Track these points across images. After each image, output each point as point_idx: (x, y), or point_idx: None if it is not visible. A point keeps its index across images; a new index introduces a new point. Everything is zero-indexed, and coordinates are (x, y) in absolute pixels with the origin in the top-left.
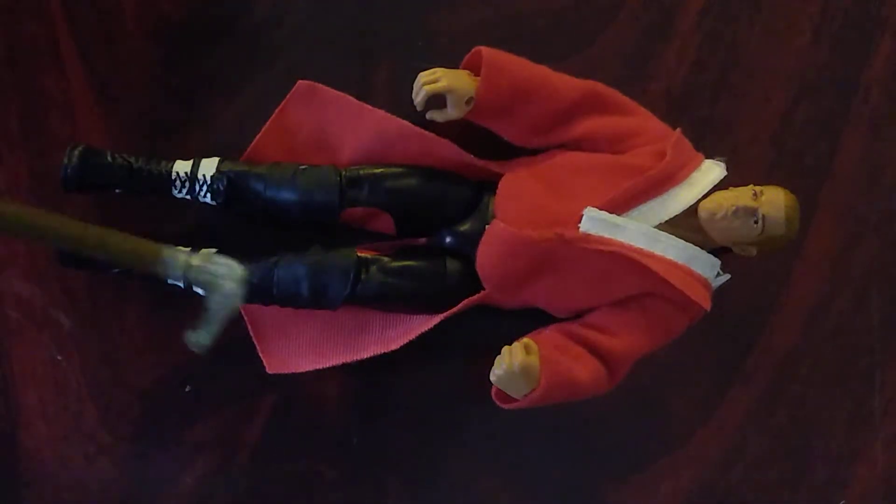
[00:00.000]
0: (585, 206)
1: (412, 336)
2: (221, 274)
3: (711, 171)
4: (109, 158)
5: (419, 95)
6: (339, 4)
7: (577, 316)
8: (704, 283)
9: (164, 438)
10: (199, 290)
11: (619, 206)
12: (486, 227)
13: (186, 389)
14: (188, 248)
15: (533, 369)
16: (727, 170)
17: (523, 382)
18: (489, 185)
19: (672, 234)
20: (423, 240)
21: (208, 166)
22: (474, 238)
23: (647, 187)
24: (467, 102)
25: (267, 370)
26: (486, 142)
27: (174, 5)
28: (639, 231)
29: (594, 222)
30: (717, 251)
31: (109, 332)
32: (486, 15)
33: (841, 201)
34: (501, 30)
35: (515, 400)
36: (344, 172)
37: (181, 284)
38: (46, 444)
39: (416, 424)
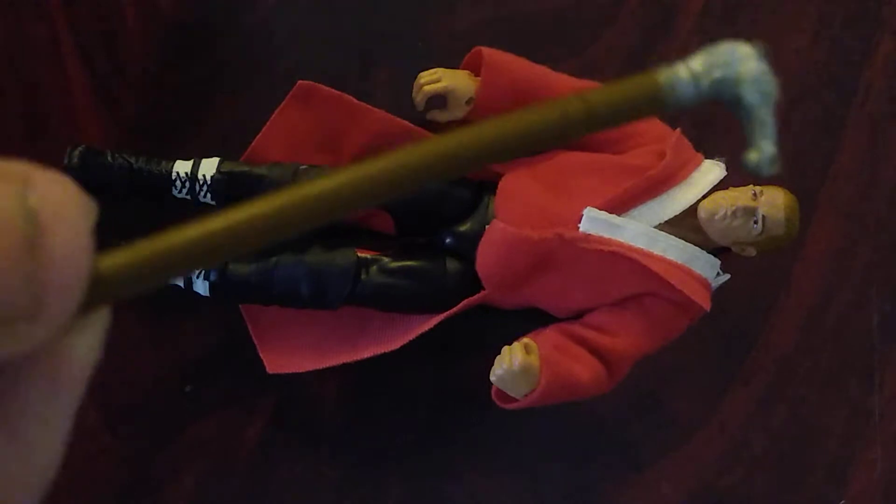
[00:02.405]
0: (585, 206)
1: (412, 336)
2: (737, 60)
3: (711, 171)
4: (110, 159)
5: (419, 95)
6: (339, 5)
7: (578, 316)
8: (704, 284)
9: (164, 438)
10: (723, 96)
11: (618, 206)
12: (486, 227)
13: (186, 389)
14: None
15: (533, 369)
16: (727, 170)
17: (523, 382)
18: (489, 185)
19: (672, 234)
20: (423, 240)
21: (208, 166)
22: (474, 238)
23: (647, 187)
24: (467, 102)
25: (267, 370)
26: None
27: (174, 5)
28: (638, 231)
29: (594, 222)
30: (716, 251)
31: (109, 332)
32: (485, 15)
33: (841, 201)
34: (501, 30)
35: (515, 400)
36: None
37: (181, 284)
38: None
39: (416, 424)
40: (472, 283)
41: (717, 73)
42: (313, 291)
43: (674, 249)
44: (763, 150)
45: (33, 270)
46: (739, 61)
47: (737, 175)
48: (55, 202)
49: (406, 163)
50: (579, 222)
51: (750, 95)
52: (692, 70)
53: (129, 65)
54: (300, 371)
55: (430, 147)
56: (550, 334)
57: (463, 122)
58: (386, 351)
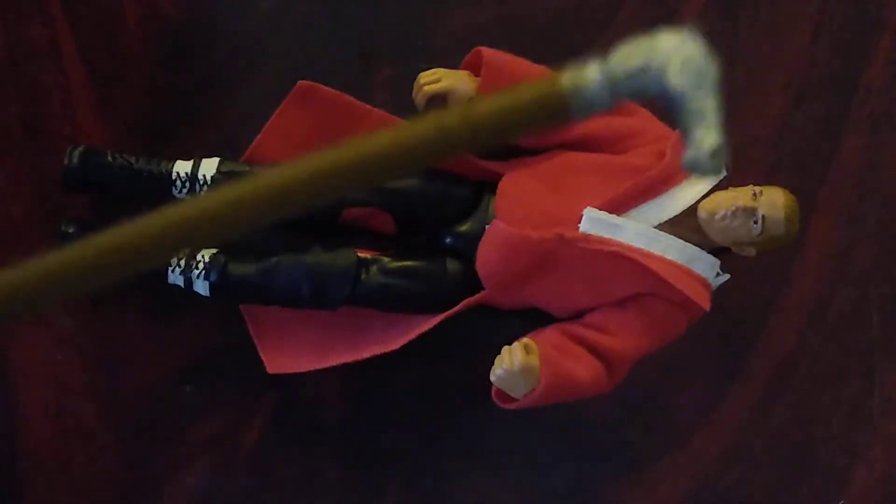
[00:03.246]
0: (585, 207)
1: (412, 336)
2: (658, 46)
3: None
4: (110, 159)
5: (419, 95)
6: (339, 5)
7: (577, 316)
8: (704, 283)
9: (164, 438)
10: (642, 92)
11: (618, 206)
12: (486, 227)
13: (186, 389)
14: None
15: (533, 369)
16: (727, 170)
17: (523, 382)
18: (489, 185)
19: (672, 234)
20: (423, 240)
21: (209, 167)
22: (474, 238)
23: (647, 187)
24: None
25: (267, 370)
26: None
27: (174, 5)
28: (638, 231)
29: (594, 222)
30: (716, 251)
31: (109, 332)
32: (486, 15)
33: (841, 201)
34: (501, 30)
35: (515, 400)
36: None
37: (181, 284)
38: (46, 444)
39: (416, 424)
40: (472, 283)
41: (636, 65)
42: (314, 292)
43: (674, 249)
44: (701, 143)
45: None
46: (662, 47)
47: (737, 175)
48: None
49: (274, 185)
50: (579, 222)
51: (678, 80)
52: (606, 68)
53: (129, 65)
54: (300, 371)
55: (287, 174)
56: (550, 334)
57: None
58: (386, 351)
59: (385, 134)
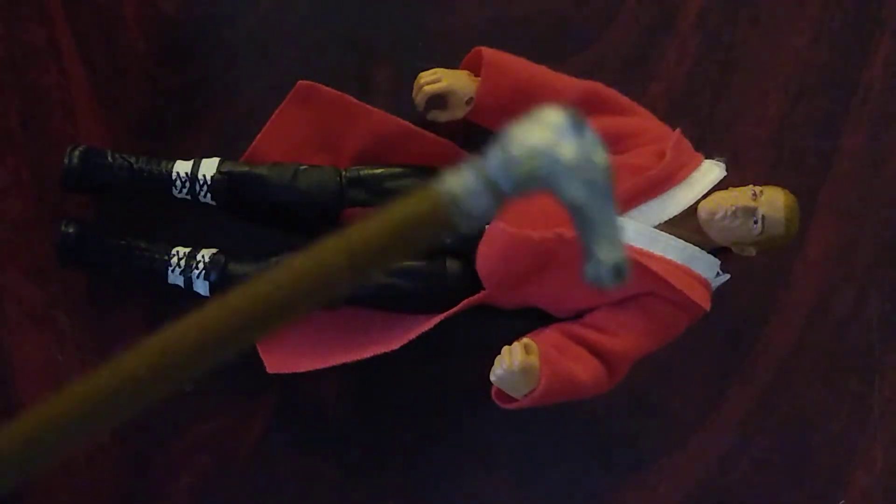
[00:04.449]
0: None
1: (412, 336)
2: (546, 141)
3: (711, 171)
4: (110, 158)
5: (419, 96)
6: (339, 4)
7: (577, 316)
8: (704, 284)
9: (164, 438)
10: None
11: (618, 206)
12: (486, 227)
13: (186, 389)
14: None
15: (533, 369)
16: (727, 170)
17: (523, 382)
18: None
19: (672, 234)
20: None
21: (209, 166)
22: (474, 238)
23: (647, 187)
24: (467, 103)
25: (267, 370)
26: (486, 142)
27: (174, 5)
28: (638, 231)
29: None
30: (716, 251)
31: (109, 332)
32: (486, 15)
33: (841, 201)
34: (501, 30)
35: (516, 400)
36: (344, 173)
37: (181, 284)
38: None
39: (416, 424)
40: (472, 283)
41: (521, 169)
42: None
43: (674, 249)
44: (600, 257)
45: None
46: (548, 145)
47: (737, 175)
48: None
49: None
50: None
51: (571, 190)
52: (486, 172)
53: (129, 65)
54: (300, 371)
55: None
56: (550, 334)
57: (462, 122)
58: (386, 351)
59: (264, 278)
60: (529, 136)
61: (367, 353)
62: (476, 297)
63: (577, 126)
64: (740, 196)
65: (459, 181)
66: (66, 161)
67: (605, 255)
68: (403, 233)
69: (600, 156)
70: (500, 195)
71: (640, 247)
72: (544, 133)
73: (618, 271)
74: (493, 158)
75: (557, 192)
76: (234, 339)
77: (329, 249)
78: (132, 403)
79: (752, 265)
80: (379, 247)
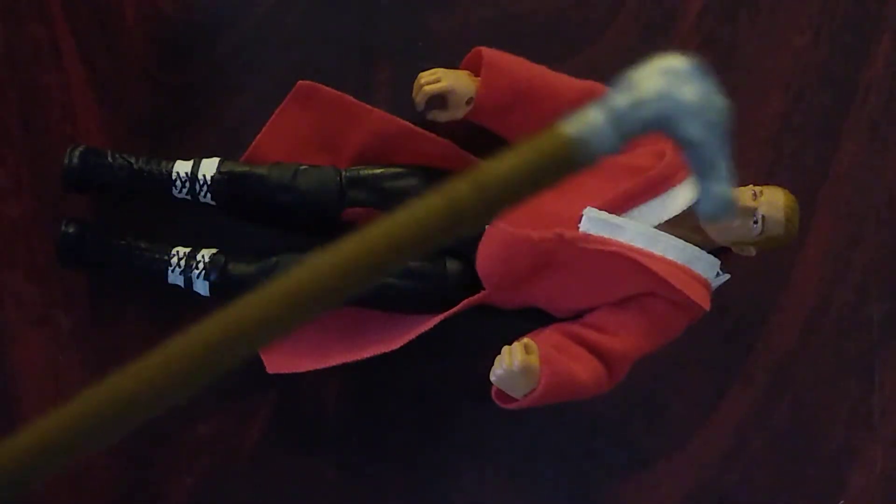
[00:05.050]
0: (585, 207)
1: (412, 336)
2: (670, 85)
3: None
4: (110, 159)
5: (419, 96)
6: (339, 4)
7: (577, 316)
8: (704, 284)
9: (163, 438)
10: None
11: (618, 206)
12: (486, 227)
13: None
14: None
15: (533, 369)
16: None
17: (523, 382)
18: None
19: (672, 234)
20: None
21: (209, 167)
22: (474, 238)
23: (647, 188)
24: (467, 103)
25: (267, 370)
26: (486, 142)
27: (174, 5)
28: (638, 231)
29: (594, 222)
30: (716, 251)
31: (109, 332)
32: (486, 15)
33: (841, 201)
34: (501, 30)
35: (516, 400)
36: (344, 173)
37: (181, 284)
38: None
39: (416, 424)
40: (472, 283)
41: (646, 111)
42: None
43: (674, 249)
44: (715, 193)
45: None
46: (672, 89)
47: (737, 175)
48: None
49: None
50: (579, 222)
51: (691, 130)
52: (613, 111)
53: (129, 65)
54: (300, 371)
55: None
56: (550, 334)
57: (462, 122)
58: (386, 351)
59: (393, 218)
60: (654, 79)
61: (367, 353)
62: (476, 297)
63: (698, 72)
64: (740, 196)
65: (587, 120)
66: (66, 161)
67: (719, 190)
68: (534, 170)
69: (719, 99)
70: (625, 134)
71: (640, 247)
72: (668, 77)
73: (728, 205)
74: (619, 99)
75: (677, 131)
76: (367, 273)
77: (459, 187)
78: (166, 398)
79: (752, 265)
80: (510, 184)
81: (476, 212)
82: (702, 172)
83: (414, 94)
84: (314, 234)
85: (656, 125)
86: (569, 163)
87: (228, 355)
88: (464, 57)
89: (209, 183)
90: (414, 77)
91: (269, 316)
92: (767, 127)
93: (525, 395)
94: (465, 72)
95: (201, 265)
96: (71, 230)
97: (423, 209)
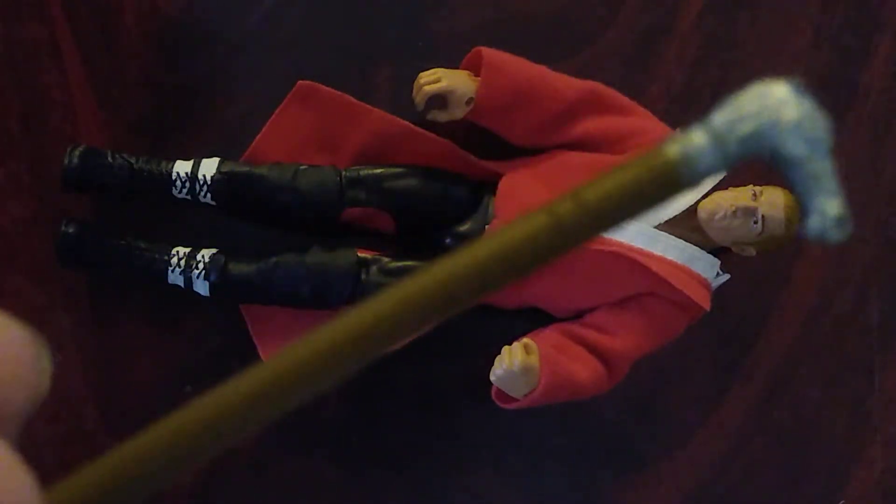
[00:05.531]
0: None
1: (412, 336)
2: (769, 105)
3: None
4: (110, 159)
5: (419, 96)
6: (339, 5)
7: (577, 316)
8: (704, 284)
9: None
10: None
11: None
12: (486, 227)
13: (186, 389)
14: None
15: (533, 369)
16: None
17: (523, 382)
18: (489, 185)
19: (672, 234)
20: (423, 240)
21: (209, 167)
22: (474, 238)
23: None
24: (467, 103)
25: None
26: (486, 142)
27: (174, 5)
28: (638, 231)
29: None
30: (716, 251)
31: (109, 332)
32: (486, 15)
33: None
34: (501, 30)
35: (516, 400)
36: (344, 173)
37: (181, 284)
38: (47, 444)
39: (416, 424)
40: None
41: (746, 128)
42: (314, 292)
43: (674, 249)
44: (824, 211)
45: None
46: (772, 106)
47: (737, 175)
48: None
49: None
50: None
51: (793, 146)
52: (714, 130)
53: (129, 65)
54: None
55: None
56: (550, 334)
57: (462, 122)
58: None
59: (498, 236)
60: (754, 100)
61: None
62: None
63: (798, 91)
64: (740, 196)
65: (691, 140)
66: (66, 161)
67: (829, 208)
68: (638, 188)
69: (820, 116)
70: (727, 154)
71: (640, 247)
72: (768, 97)
73: (841, 222)
74: (719, 118)
75: (779, 148)
76: (476, 290)
77: (567, 205)
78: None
79: (752, 265)
80: (615, 202)
81: (578, 232)
82: (808, 190)
83: (414, 94)
84: (314, 234)
85: (758, 143)
86: (673, 183)
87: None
88: (464, 57)
89: (209, 183)
90: (414, 77)
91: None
92: None
93: (525, 395)
94: (465, 72)
95: (201, 265)
96: (71, 230)
97: (528, 226)
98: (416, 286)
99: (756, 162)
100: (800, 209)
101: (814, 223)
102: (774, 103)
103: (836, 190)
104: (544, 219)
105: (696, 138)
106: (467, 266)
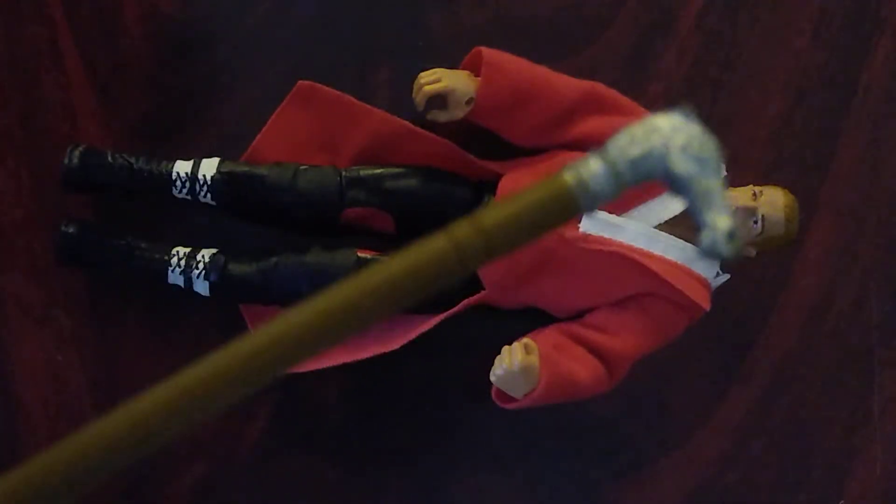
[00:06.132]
0: None
1: (412, 336)
2: (657, 130)
3: None
4: (110, 159)
5: (419, 96)
6: (339, 4)
7: (578, 316)
8: (704, 284)
9: None
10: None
11: (618, 206)
12: None
13: None
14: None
15: (533, 369)
16: (727, 170)
17: (523, 382)
18: (489, 185)
19: (672, 234)
20: (423, 240)
21: (208, 167)
22: None
23: (647, 187)
24: (467, 103)
25: None
26: (486, 142)
27: (174, 5)
28: (638, 231)
29: (594, 222)
30: None
31: (109, 332)
32: (486, 15)
33: (841, 201)
34: (501, 30)
35: (516, 400)
36: (344, 173)
37: (181, 284)
38: (47, 444)
39: (416, 424)
40: (472, 283)
41: (636, 151)
42: (314, 291)
43: (674, 249)
44: (714, 226)
45: None
46: (661, 132)
47: (737, 175)
48: None
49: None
50: (579, 222)
51: (683, 166)
52: (607, 158)
53: (129, 65)
54: (300, 371)
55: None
56: (550, 334)
57: (462, 122)
58: (386, 351)
59: (397, 260)
60: (644, 128)
61: (367, 353)
62: (476, 297)
63: (685, 118)
64: (740, 196)
65: (586, 167)
66: (66, 161)
67: (719, 223)
68: (535, 214)
69: (707, 136)
70: (620, 177)
71: (640, 247)
72: (657, 125)
73: (731, 236)
74: (613, 145)
75: (672, 169)
76: (367, 315)
77: (462, 229)
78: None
79: (752, 265)
80: (512, 227)
81: (478, 255)
82: (699, 207)
83: (414, 94)
84: (314, 234)
85: (649, 165)
86: (570, 207)
87: (240, 386)
88: (464, 57)
89: (209, 183)
90: (414, 77)
91: (246, 369)
92: (767, 127)
93: (525, 395)
94: (465, 72)
95: (201, 265)
96: (71, 230)
97: (428, 252)
98: (325, 303)
99: (756, 162)
100: (694, 226)
101: (706, 237)
102: (664, 130)
103: (726, 206)
104: (443, 243)
105: (591, 165)
106: (370, 286)
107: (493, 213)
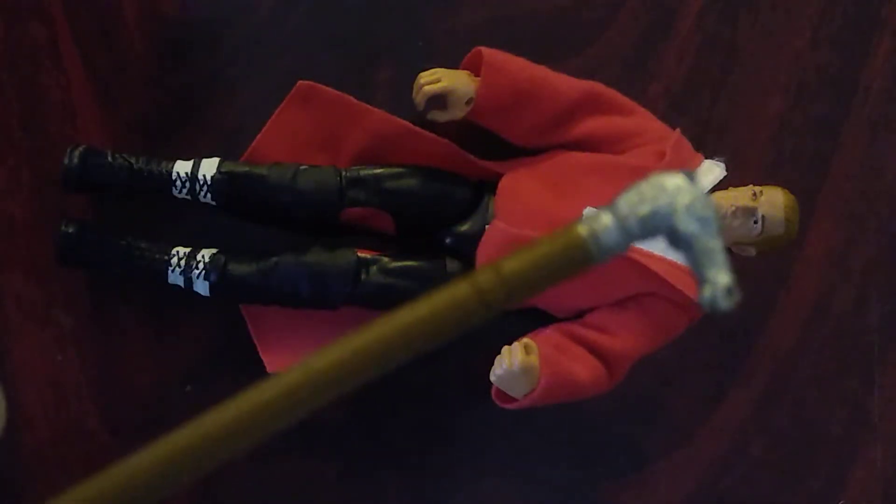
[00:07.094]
0: (585, 207)
1: None
2: (664, 191)
3: (711, 171)
4: (110, 159)
5: (419, 96)
6: (340, 5)
7: (578, 316)
8: None
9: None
10: (648, 236)
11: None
12: (486, 227)
13: (187, 389)
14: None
15: (533, 369)
16: (727, 170)
17: (523, 382)
18: (489, 185)
19: None
20: (423, 240)
21: (208, 167)
22: (474, 238)
23: None
24: (467, 103)
25: (267, 370)
26: (486, 142)
27: (174, 5)
28: None
29: None
30: None
31: (109, 332)
32: (486, 15)
33: (841, 201)
34: (501, 30)
35: (516, 400)
36: (344, 173)
37: (181, 284)
38: (46, 444)
39: (416, 424)
40: None
41: (645, 209)
42: (313, 291)
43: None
44: (715, 282)
45: None
46: (668, 192)
47: (737, 175)
48: None
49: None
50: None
51: (686, 225)
52: (618, 212)
53: (129, 65)
54: None
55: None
56: (550, 334)
57: (462, 122)
58: None
59: (420, 304)
60: (652, 188)
61: None
62: None
63: (689, 179)
64: (740, 196)
65: (598, 220)
66: (66, 161)
67: (719, 279)
68: (552, 264)
69: (708, 199)
70: (629, 232)
71: (641, 247)
72: (664, 185)
73: (730, 292)
74: (623, 201)
75: (676, 227)
76: (388, 360)
77: (487, 276)
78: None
79: (752, 265)
80: (533, 275)
81: (499, 300)
82: (701, 264)
83: (414, 94)
84: (314, 234)
85: (656, 222)
86: (584, 258)
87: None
88: (464, 57)
89: (209, 183)
90: (414, 77)
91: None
92: (767, 127)
93: (525, 396)
94: (465, 72)
95: (201, 265)
96: (71, 230)
97: (453, 296)
98: (349, 347)
99: (756, 162)
100: (695, 281)
101: (706, 292)
102: (670, 189)
103: (725, 263)
104: (467, 289)
105: (603, 219)
106: (394, 330)
107: (513, 262)
